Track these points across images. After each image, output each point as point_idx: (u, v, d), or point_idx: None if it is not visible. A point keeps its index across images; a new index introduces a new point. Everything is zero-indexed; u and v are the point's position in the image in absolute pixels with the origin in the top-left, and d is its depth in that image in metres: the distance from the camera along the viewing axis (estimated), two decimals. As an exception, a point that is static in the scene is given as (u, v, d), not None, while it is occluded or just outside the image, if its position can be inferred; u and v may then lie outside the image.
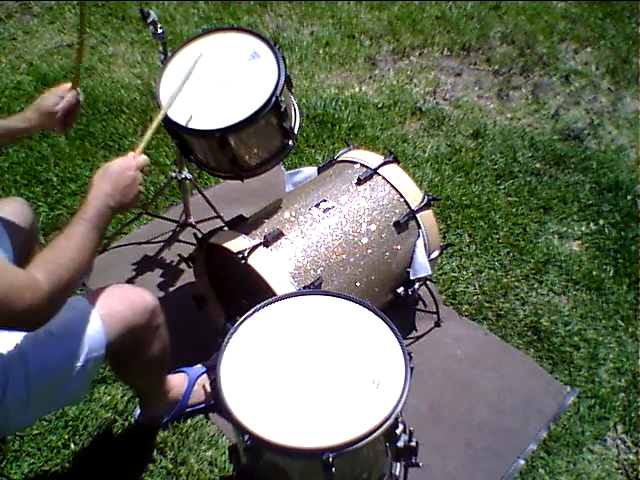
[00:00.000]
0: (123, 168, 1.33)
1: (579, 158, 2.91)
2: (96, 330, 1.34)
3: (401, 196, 1.91)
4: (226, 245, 1.71)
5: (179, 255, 2.35)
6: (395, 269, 1.90)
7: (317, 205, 1.85)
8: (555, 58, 3.65)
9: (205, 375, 1.88)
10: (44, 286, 1.10)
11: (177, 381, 1.81)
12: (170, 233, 2.48)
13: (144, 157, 1.40)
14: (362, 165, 1.98)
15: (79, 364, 1.32)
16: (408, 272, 1.92)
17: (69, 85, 1.60)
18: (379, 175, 1.93)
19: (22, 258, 1.63)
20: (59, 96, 1.57)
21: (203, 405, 1.87)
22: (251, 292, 1.62)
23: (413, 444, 1.29)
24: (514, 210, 2.63)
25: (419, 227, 1.92)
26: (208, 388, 1.86)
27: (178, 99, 1.70)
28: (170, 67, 1.76)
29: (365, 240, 1.82)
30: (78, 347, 1.32)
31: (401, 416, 1.22)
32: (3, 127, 1.55)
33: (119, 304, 1.40)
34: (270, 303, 1.41)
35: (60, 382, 1.32)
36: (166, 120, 1.67)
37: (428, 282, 2.08)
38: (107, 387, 1.93)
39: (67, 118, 1.60)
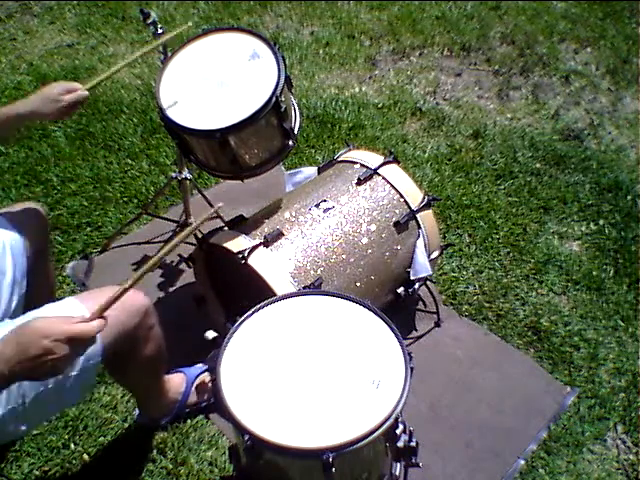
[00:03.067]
0: (42, 333, 1.02)
1: (579, 158, 2.91)
2: None
3: (401, 196, 1.91)
4: (226, 245, 1.71)
5: (179, 255, 2.35)
6: (395, 269, 1.90)
7: (317, 205, 1.85)
8: (555, 58, 3.65)
9: (204, 374, 1.88)
10: None
11: (175, 381, 1.81)
12: (170, 233, 2.48)
13: (92, 325, 1.07)
14: (362, 165, 1.98)
15: (74, 373, 1.32)
16: (408, 272, 1.92)
17: (78, 85, 1.59)
18: (379, 175, 1.93)
19: (35, 263, 1.64)
20: (66, 89, 1.56)
21: (203, 404, 1.87)
22: (251, 292, 1.62)
23: (413, 444, 1.29)
24: (514, 210, 2.63)
25: (419, 227, 1.92)
26: (208, 386, 1.86)
27: (178, 98, 1.70)
28: (170, 67, 1.77)
29: (365, 240, 1.82)
30: None
31: (401, 416, 1.22)
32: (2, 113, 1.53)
33: (112, 307, 1.40)
34: (270, 303, 1.41)
35: (56, 391, 1.31)
36: (166, 120, 1.68)
37: (428, 282, 2.08)
38: (107, 387, 1.93)
39: (68, 109, 1.59)
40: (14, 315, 1.47)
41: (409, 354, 1.26)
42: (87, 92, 1.60)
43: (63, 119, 1.63)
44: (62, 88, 1.56)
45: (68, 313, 1.34)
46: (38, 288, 1.66)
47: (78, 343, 1.05)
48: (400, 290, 1.93)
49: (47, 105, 1.54)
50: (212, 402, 1.87)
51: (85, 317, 1.08)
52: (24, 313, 1.41)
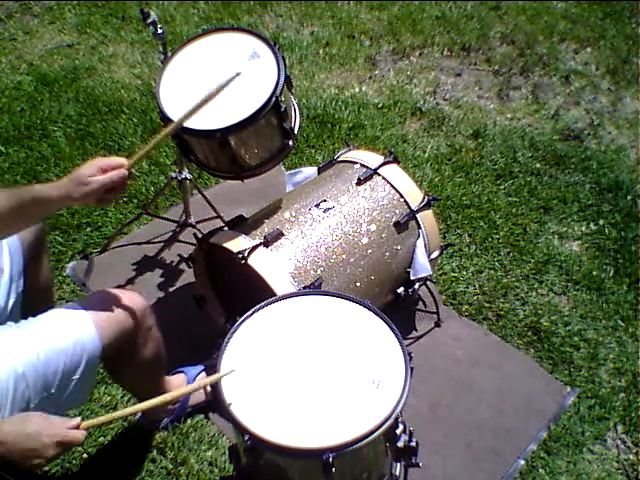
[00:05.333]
0: (45, 430, 1.13)
1: (579, 158, 2.91)
2: (91, 340, 1.35)
3: (401, 196, 1.91)
4: (226, 245, 1.71)
5: (179, 255, 2.35)
6: (395, 269, 1.90)
7: (317, 205, 1.85)
8: (555, 58, 3.65)
9: (203, 373, 1.88)
10: None
11: (176, 382, 1.81)
12: (170, 233, 2.48)
13: (81, 434, 1.16)
14: (362, 165, 1.98)
15: (76, 377, 1.34)
16: (408, 272, 1.92)
17: (122, 161, 1.32)
18: (379, 175, 1.93)
19: (32, 262, 1.64)
20: (100, 168, 1.29)
21: (204, 404, 1.87)
22: (251, 292, 1.62)
23: (413, 444, 1.29)
24: (514, 210, 2.63)
25: (419, 227, 1.92)
26: (208, 387, 1.86)
27: (178, 98, 1.70)
28: (170, 67, 1.76)
29: (365, 240, 1.82)
30: (75, 360, 1.33)
31: (401, 416, 1.22)
32: (30, 193, 1.30)
33: (111, 310, 1.41)
34: (270, 303, 1.41)
35: (59, 395, 1.33)
36: (166, 120, 1.67)
37: (428, 282, 2.08)
38: (107, 387, 1.93)
39: (108, 193, 1.32)
40: (11, 315, 1.47)
41: (409, 354, 1.26)
42: (124, 173, 1.31)
43: (102, 205, 1.34)
44: (92, 168, 1.28)
45: (75, 323, 1.35)
46: (35, 287, 1.66)
47: (65, 448, 1.15)
48: (400, 290, 1.93)
49: (74, 189, 1.27)
50: (210, 402, 1.87)
51: (78, 422, 1.17)
52: (25, 317, 1.41)
